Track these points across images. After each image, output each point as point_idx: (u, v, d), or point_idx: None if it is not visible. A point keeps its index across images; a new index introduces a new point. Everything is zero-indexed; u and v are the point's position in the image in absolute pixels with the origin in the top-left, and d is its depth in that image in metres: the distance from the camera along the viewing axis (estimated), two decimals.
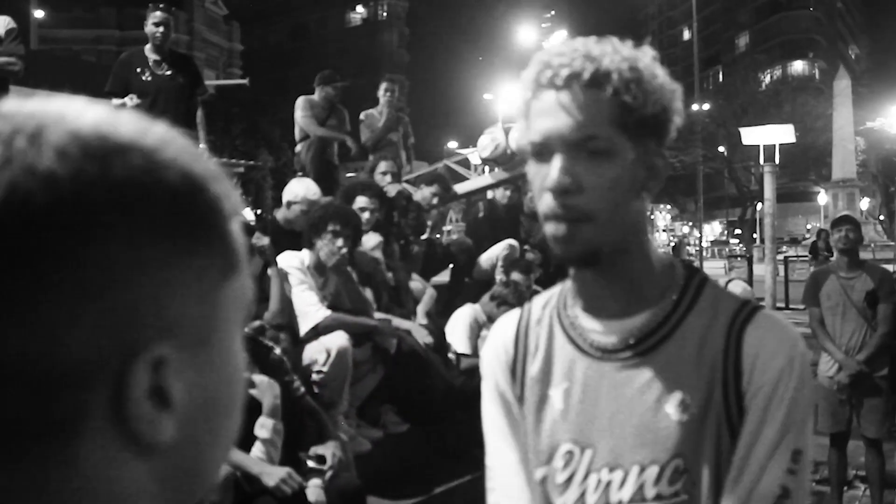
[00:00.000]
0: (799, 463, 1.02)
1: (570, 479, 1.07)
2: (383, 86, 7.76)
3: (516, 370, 1.18)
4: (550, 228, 1.03)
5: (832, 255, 5.31)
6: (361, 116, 7.72)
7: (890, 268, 15.60)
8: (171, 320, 0.47)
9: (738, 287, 5.69)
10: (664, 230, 66.36)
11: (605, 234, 1.02)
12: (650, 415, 1.04)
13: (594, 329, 1.10)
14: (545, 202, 1.03)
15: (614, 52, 1.02)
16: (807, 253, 19.76)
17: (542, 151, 1.03)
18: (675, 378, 1.05)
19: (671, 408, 1.04)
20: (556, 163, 1.01)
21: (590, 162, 1.01)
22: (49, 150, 0.44)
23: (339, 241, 4.18)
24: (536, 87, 1.04)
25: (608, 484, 1.05)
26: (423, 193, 6.26)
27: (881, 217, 44.25)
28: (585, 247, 1.02)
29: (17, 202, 0.42)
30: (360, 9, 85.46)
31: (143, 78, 6.01)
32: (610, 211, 1.01)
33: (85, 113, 0.47)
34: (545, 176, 1.02)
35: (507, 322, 1.23)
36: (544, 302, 1.21)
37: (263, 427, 3.16)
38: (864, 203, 42.59)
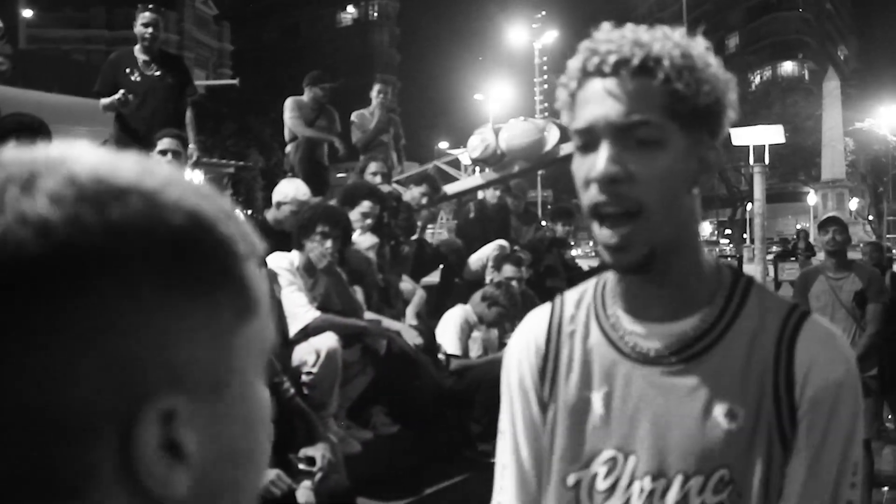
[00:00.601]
0: (857, 475, 1.00)
1: (613, 487, 1.03)
2: (376, 87, 7.75)
3: (546, 369, 1.11)
4: (603, 235, 0.96)
5: (812, 255, 5.35)
6: (353, 117, 7.71)
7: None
8: (180, 368, 0.45)
9: None
10: None
11: (659, 232, 0.96)
12: (696, 424, 1.00)
13: (637, 332, 1.04)
14: (590, 194, 0.96)
15: (665, 39, 0.97)
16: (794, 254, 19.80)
17: (588, 140, 0.97)
18: (723, 386, 1.00)
19: (718, 417, 0.99)
20: (604, 152, 0.95)
21: (639, 151, 0.95)
22: (42, 196, 0.43)
23: (328, 243, 4.17)
24: (582, 75, 0.98)
25: (651, 492, 1.01)
26: (412, 193, 6.26)
27: (870, 217, 44.45)
28: (642, 251, 0.96)
29: (9, 252, 0.41)
30: (350, 9, 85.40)
31: (133, 78, 5.98)
32: (663, 204, 0.95)
33: (83, 157, 0.46)
34: (591, 166, 0.96)
35: (539, 317, 1.16)
36: (577, 298, 1.14)
37: None
38: (854, 203, 42.77)
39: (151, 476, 0.44)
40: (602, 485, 1.04)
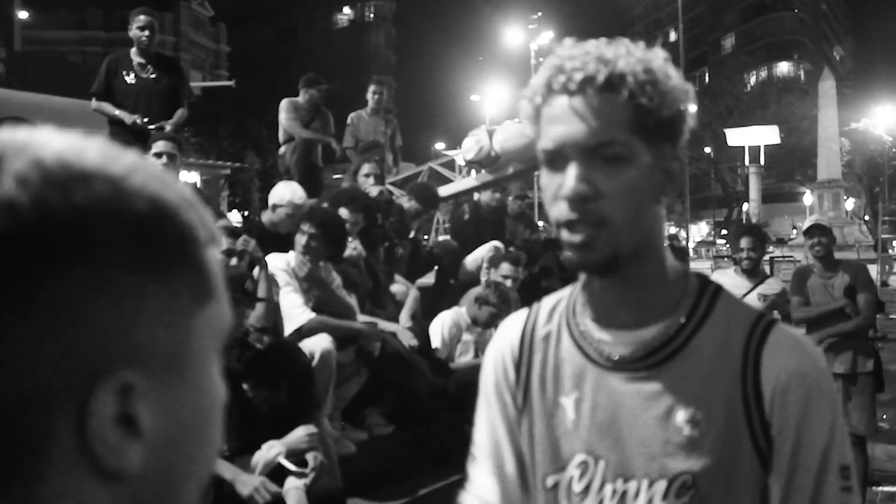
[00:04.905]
0: (850, 479, 1.01)
1: (587, 489, 1.06)
2: (371, 88, 7.76)
3: (520, 373, 1.15)
4: (566, 235, 0.99)
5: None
6: (349, 118, 7.72)
7: (873, 268, 15.68)
8: (139, 347, 0.46)
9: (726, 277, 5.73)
10: (668, 234, 66.38)
11: (623, 240, 0.99)
12: (659, 428, 1.02)
13: (604, 339, 1.07)
14: (560, 210, 0.99)
15: (628, 54, 0.98)
16: (791, 253, 19.85)
17: (556, 159, 1.00)
18: (686, 393, 1.02)
19: (680, 423, 1.01)
20: (572, 171, 0.98)
21: (606, 168, 0.97)
22: (9, 178, 0.44)
23: (304, 240, 4.18)
24: (548, 92, 1.00)
25: (623, 494, 1.03)
26: (406, 204, 6.27)
27: (866, 217, 44.49)
28: (604, 252, 0.98)
29: None
30: (346, 10, 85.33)
31: (128, 81, 5.99)
32: (628, 218, 0.98)
33: (50, 141, 0.47)
34: (560, 184, 0.99)
35: (514, 323, 1.20)
36: (552, 306, 1.17)
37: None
38: (850, 203, 42.84)
39: (106, 448, 0.45)
40: (577, 487, 1.07)
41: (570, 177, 0.98)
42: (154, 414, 0.47)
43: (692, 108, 1.03)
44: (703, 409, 1.01)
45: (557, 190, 0.99)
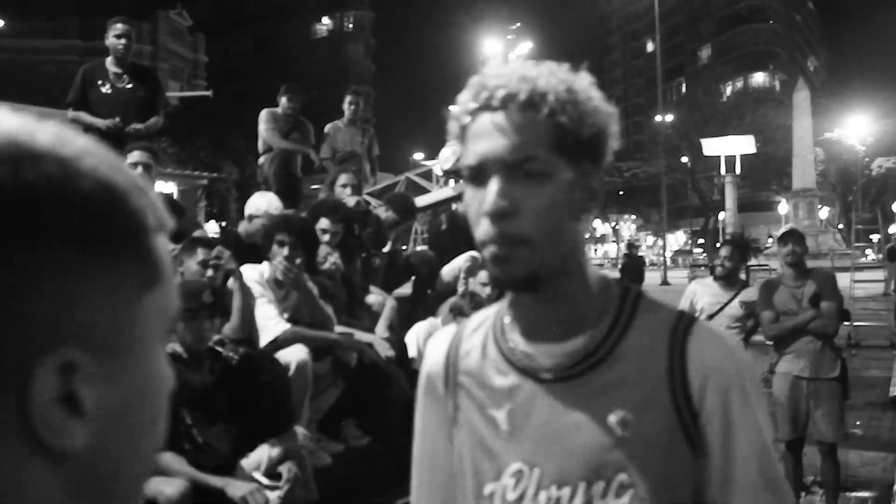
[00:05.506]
0: (776, 452, 1.06)
1: (521, 497, 1.09)
2: (348, 98, 7.76)
3: (449, 389, 1.19)
4: (488, 252, 1.02)
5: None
6: (326, 129, 7.72)
7: (846, 275, 15.82)
8: (82, 325, 0.46)
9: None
10: (629, 240, 66.79)
11: (543, 257, 1.01)
12: (593, 433, 1.05)
13: (534, 353, 1.10)
14: (483, 229, 1.02)
15: (550, 74, 1.02)
16: (767, 262, 20.01)
17: (479, 175, 1.02)
18: (616, 396, 1.06)
19: (612, 425, 1.05)
20: (493, 186, 1.00)
21: (527, 184, 1.00)
22: None
23: (285, 251, 4.15)
24: (473, 109, 1.03)
25: (558, 500, 1.06)
26: (383, 214, 6.27)
27: (840, 226, 45.06)
28: (524, 269, 1.01)
29: None
30: (325, 20, 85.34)
31: (103, 91, 5.96)
32: (547, 234, 1.01)
33: (2, 120, 0.48)
34: (482, 200, 1.01)
35: (441, 341, 1.24)
36: (477, 324, 1.21)
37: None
38: (824, 212, 43.37)
39: (48, 427, 0.45)
40: (512, 495, 1.10)
41: (491, 192, 1.00)
42: (97, 394, 0.47)
43: (616, 129, 1.06)
44: (634, 409, 1.05)
45: (479, 206, 1.02)
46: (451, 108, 1.08)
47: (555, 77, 1.01)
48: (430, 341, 1.28)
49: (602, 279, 1.13)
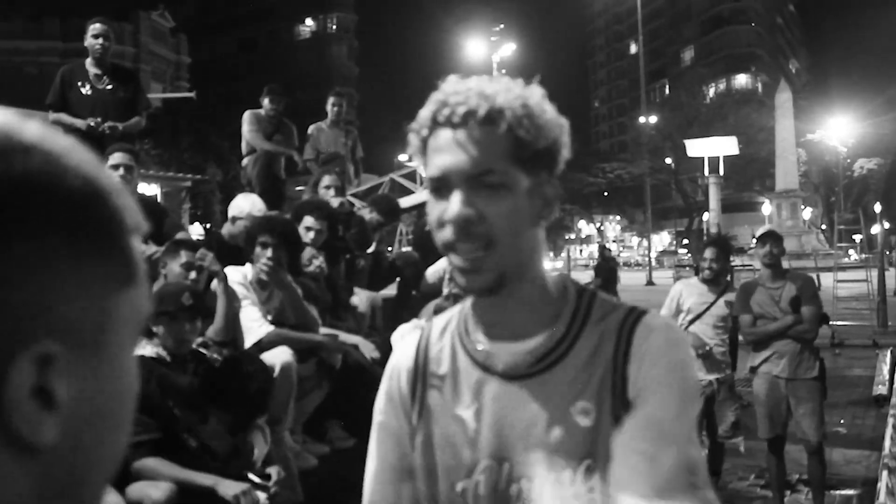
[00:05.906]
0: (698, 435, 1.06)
1: (493, 490, 1.13)
2: (331, 100, 7.74)
3: (416, 391, 1.23)
4: (455, 259, 1.08)
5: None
6: (309, 130, 7.69)
7: (830, 275, 15.92)
8: (61, 319, 0.47)
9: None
10: (614, 241, 67.03)
11: (508, 261, 1.07)
12: (560, 425, 1.10)
13: (498, 352, 1.15)
14: (445, 234, 1.07)
15: (507, 90, 1.08)
16: (751, 262, 20.12)
17: (441, 187, 1.08)
18: (576, 388, 1.11)
19: (575, 416, 1.10)
20: (457, 196, 1.06)
21: (488, 194, 1.06)
22: None
23: (269, 252, 4.13)
24: (433, 125, 1.08)
25: (529, 491, 1.11)
26: (367, 216, 6.25)
27: (823, 226, 45.43)
28: (491, 274, 1.07)
29: None
30: (309, 21, 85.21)
31: (83, 92, 5.90)
32: (511, 238, 1.07)
33: None
34: (445, 209, 1.07)
35: (408, 343, 1.29)
36: (443, 325, 1.26)
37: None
38: (807, 213, 43.70)
39: (21, 418, 0.45)
40: (483, 490, 1.14)
41: (455, 202, 1.06)
42: (71, 388, 0.47)
43: (567, 139, 1.12)
44: (592, 399, 1.10)
45: (442, 214, 1.08)
46: (410, 124, 1.12)
47: (511, 93, 1.07)
48: (397, 344, 1.33)
49: (560, 281, 1.19)
